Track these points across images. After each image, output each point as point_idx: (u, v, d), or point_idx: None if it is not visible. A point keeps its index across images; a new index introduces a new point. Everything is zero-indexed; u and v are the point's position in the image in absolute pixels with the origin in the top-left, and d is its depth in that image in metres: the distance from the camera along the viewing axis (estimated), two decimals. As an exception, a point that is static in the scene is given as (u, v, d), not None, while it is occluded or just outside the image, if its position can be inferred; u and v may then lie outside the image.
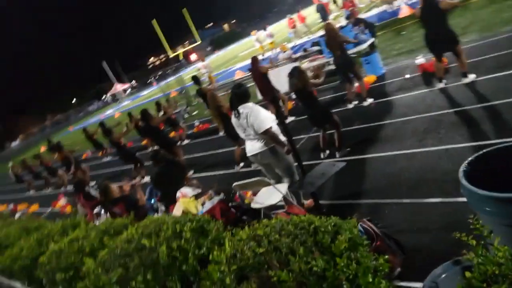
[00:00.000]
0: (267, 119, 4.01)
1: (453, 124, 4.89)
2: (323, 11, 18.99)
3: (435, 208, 3.50)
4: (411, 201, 3.76)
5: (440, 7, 5.48)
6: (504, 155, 2.39)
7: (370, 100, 7.02)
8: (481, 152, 2.48)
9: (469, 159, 2.46)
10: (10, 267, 3.90)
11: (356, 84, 7.18)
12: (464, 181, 2.31)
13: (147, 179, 8.84)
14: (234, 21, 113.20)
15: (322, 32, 10.04)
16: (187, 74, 30.39)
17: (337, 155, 5.44)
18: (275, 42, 21.21)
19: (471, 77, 5.86)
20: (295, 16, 21.11)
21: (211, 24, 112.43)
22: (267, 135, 4.02)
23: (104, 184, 5.34)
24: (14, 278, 3.91)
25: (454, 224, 3.16)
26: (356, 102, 7.27)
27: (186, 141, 11.03)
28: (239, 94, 4.21)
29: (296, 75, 5.16)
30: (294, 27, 20.26)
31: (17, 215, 9.45)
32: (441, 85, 6.17)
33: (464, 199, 2.36)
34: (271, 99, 7.74)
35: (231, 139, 6.71)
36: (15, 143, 76.07)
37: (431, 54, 6.09)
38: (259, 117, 4.00)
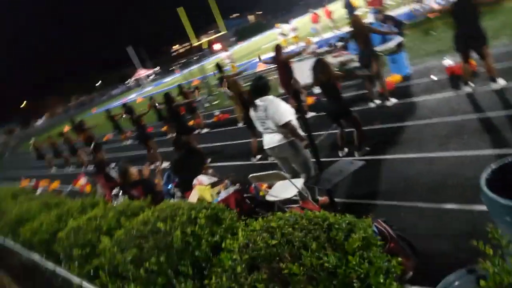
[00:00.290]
0: (287, 111, 4.00)
1: (478, 130, 4.77)
2: (351, 7, 18.65)
3: (453, 214, 3.44)
4: (429, 205, 3.71)
5: (473, 2, 5.34)
6: (529, 165, 2.33)
7: (393, 100, 6.91)
8: (505, 161, 2.42)
9: (492, 166, 2.40)
10: (30, 240, 4.05)
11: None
12: (485, 189, 2.26)
13: (165, 164, 8.98)
14: (260, 12, 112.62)
15: (348, 28, 9.84)
16: (210, 63, 30.49)
17: (356, 154, 5.39)
18: (298, 36, 21.00)
19: (500, 82, 5.69)
20: (319, 11, 20.79)
21: (237, 14, 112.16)
22: (286, 128, 4.02)
23: (124, 166, 5.45)
24: (33, 250, 4.05)
25: (471, 232, 3.10)
26: (378, 102, 7.16)
27: (205, 130, 11.12)
28: (259, 87, 4.21)
29: (319, 68, 5.11)
30: (317, 22, 19.95)
31: (38, 191, 9.74)
32: (468, 88, 6.01)
33: (484, 208, 2.31)
34: (293, 92, 7.70)
35: (249, 129, 6.72)
36: (39, 122, 78.13)
37: (458, 53, 5.92)
38: (279, 109, 4.00)
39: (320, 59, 5.30)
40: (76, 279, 2.63)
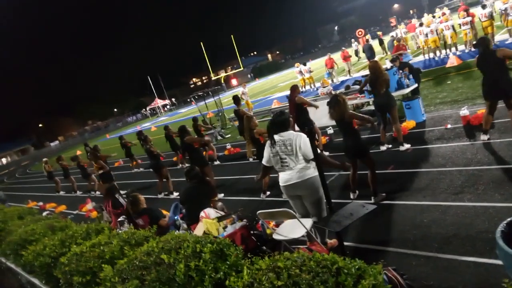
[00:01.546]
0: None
1: (494, 182, 4.66)
2: (370, 52, 19.03)
3: (466, 267, 3.31)
4: (441, 256, 3.58)
5: (496, 55, 5.41)
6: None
7: (406, 146, 6.87)
8: (523, 215, 2.35)
9: (509, 219, 2.33)
10: (31, 263, 3.99)
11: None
12: (501, 242, 2.18)
13: (175, 194, 9.00)
14: (278, 52, 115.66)
15: (364, 72, 9.98)
16: (225, 97, 31.08)
17: (373, 199, 5.26)
18: (313, 77, 21.45)
19: None
20: (335, 56, 21.13)
21: (255, 52, 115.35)
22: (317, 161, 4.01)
23: (133, 194, 5.44)
24: (33, 274, 3.99)
25: (485, 286, 2.97)
26: (389, 146, 7.13)
27: (216, 162, 11.14)
28: (278, 122, 4.17)
29: (334, 103, 5.11)
30: (332, 66, 20.27)
31: (44, 213, 9.72)
32: (485, 137, 5.94)
33: (498, 262, 2.22)
34: (308, 131, 7.71)
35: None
36: (54, 143, 79.49)
37: (486, 101, 5.84)
38: (309, 143, 3.97)
39: (336, 95, 5.29)
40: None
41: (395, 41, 16.52)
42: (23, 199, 14.70)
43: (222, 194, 7.84)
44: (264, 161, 4.37)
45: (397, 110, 6.84)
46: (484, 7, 14.96)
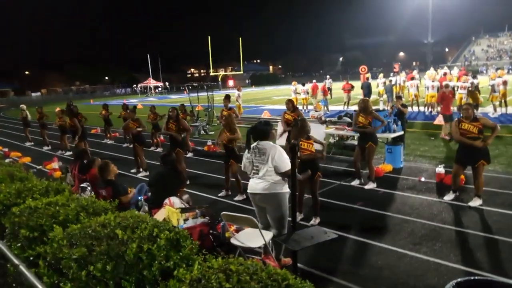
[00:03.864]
0: (288, 159, 4.01)
1: (452, 242, 4.79)
2: (367, 89, 19.30)
3: (407, 317, 3.37)
4: (386, 300, 3.64)
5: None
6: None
7: (370, 185, 7.12)
8: (472, 278, 2.42)
9: (459, 279, 2.40)
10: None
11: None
12: (446, 300, 2.24)
13: (143, 173, 8.93)
14: (280, 66, 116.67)
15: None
16: (218, 95, 31.02)
17: (312, 220, 5.50)
18: (307, 99, 21.50)
19: (478, 202, 5.89)
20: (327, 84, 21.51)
21: (258, 60, 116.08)
22: (284, 175, 4.05)
23: (106, 161, 5.35)
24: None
25: None
26: (358, 182, 7.30)
27: (189, 154, 11.10)
28: (259, 130, 4.23)
29: (298, 126, 5.34)
30: (325, 94, 20.71)
31: (7, 160, 9.41)
32: (451, 196, 6.15)
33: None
34: (291, 146, 7.79)
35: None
36: (36, 94, 77.30)
37: (456, 164, 6.10)
38: (283, 156, 4.03)
39: (302, 119, 5.58)
40: (14, 260, 2.47)
41: (444, 89, 15.83)
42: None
43: (188, 181, 7.78)
44: (242, 166, 4.41)
45: (356, 150, 7.24)
46: (474, 77, 15.62)
